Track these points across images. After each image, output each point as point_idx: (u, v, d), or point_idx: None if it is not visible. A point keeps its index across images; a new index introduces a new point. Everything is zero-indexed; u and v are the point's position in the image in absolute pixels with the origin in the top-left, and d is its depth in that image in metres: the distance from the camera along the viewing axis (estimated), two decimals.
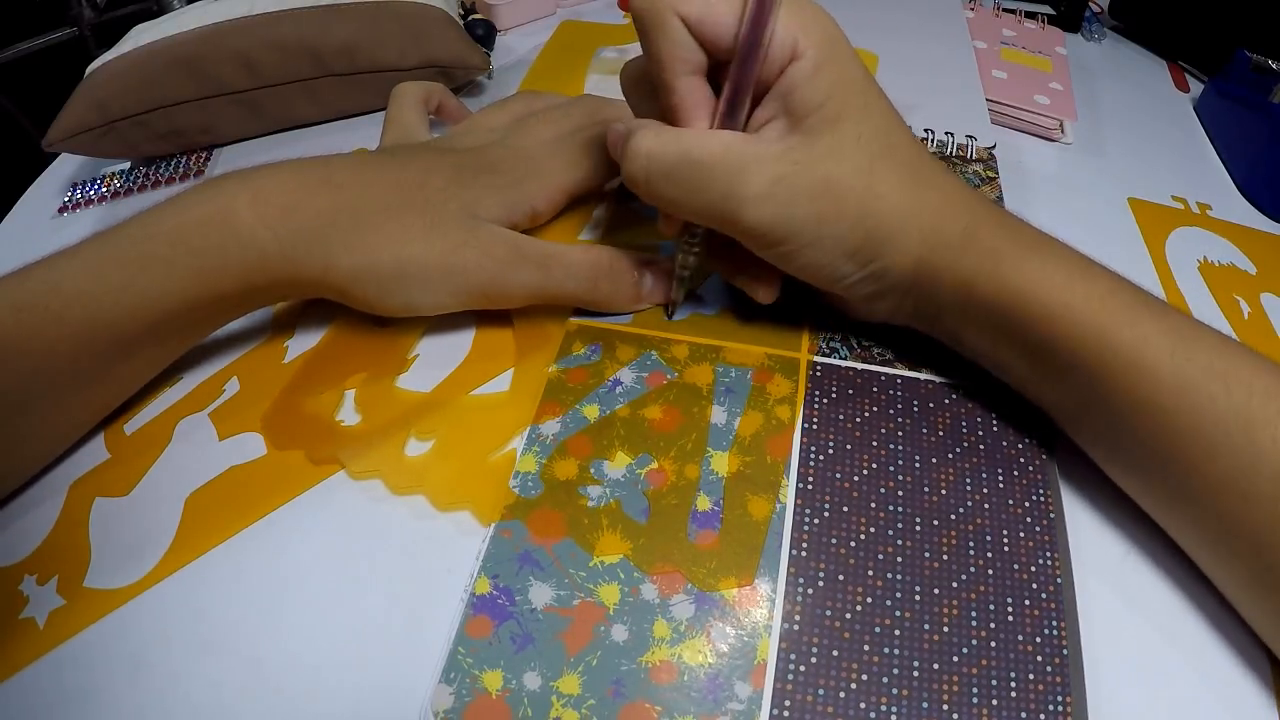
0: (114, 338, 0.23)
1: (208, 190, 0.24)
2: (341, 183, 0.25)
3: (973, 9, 0.49)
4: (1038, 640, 0.21)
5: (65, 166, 0.42)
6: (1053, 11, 0.50)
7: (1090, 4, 0.51)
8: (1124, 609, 0.22)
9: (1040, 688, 0.20)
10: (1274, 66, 0.41)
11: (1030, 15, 0.49)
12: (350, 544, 0.23)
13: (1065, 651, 0.21)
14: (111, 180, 0.40)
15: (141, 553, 0.23)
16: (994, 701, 0.20)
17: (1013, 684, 0.20)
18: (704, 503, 0.24)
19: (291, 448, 0.26)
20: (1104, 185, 0.38)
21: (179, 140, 0.40)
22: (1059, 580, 0.22)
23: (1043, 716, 0.20)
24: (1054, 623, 0.22)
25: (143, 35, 0.39)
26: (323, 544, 0.23)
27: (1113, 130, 0.42)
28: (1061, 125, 0.41)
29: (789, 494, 0.24)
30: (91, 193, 0.39)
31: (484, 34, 0.44)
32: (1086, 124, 0.42)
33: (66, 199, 0.39)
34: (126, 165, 0.41)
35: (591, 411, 0.26)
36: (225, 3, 0.39)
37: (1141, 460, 0.22)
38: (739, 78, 0.22)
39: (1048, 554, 0.23)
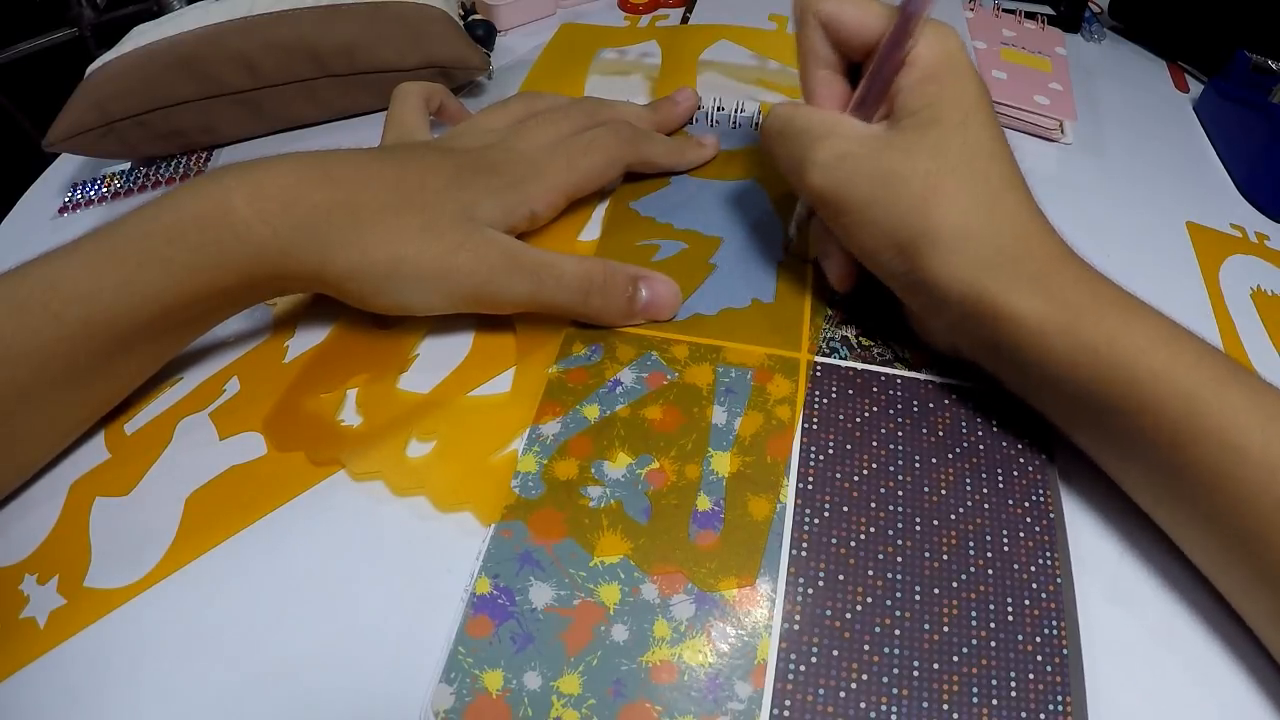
0: (113, 335, 0.23)
1: (205, 185, 0.24)
2: (340, 178, 0.25)
3: (972, 9, 0.49)
4: (1037, 640, 0.21)
5: (65, 166, 0.42)
6: (1052, 12, 0.49)
7: (1090, 4, 0.51)
8: (1123, 609, 0.22)
9: (1040, 687, 0.20)
10: (1274, 66, 0.41)
11: (1030, 15, 0.49)
12: (351, 544, 0.23)
13: (1065, 651, 0.21)
14: (111, 180, 0.40)
15: (142, 552, 0.23)
16: (994, 701, 0.20)
17: (1012, 684, 0.21)
18: (704, 503, 0.24)
19: (293, 449, 0.26)
20: (1131, 182, 0.38)
21: (179, 140, 0.40)
22: (1059, 580, 0.22)
23: (1042, 716, 0.20)
24: (1054, 622, 0.22)
25: (143, 35, 0.39)
26: (323, 544, 0.23)
27: (1113, 130, 0.42)
28: (1061, 125, 0.41)
29: (789, 494, 0.24)
30: (91, 193, 0.39)
31: (484, 34, 0.44)
32: (1086, 124, 0.42)
33: (66, 199, 0.39)
34: (126, 165, 0.41)
35: (592, 412, 0.26)
36: (225, 3, 0.39)
37: (1219, 534, 0.21)
38: (872, 80, 0.25)
39: (1047, 554, 0.23)
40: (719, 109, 0.38)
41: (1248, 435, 0.20)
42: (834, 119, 0.25)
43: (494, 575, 0.22)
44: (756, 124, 0.38)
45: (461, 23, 0.42)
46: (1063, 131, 0.40)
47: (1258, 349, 0.30)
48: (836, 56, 0.26)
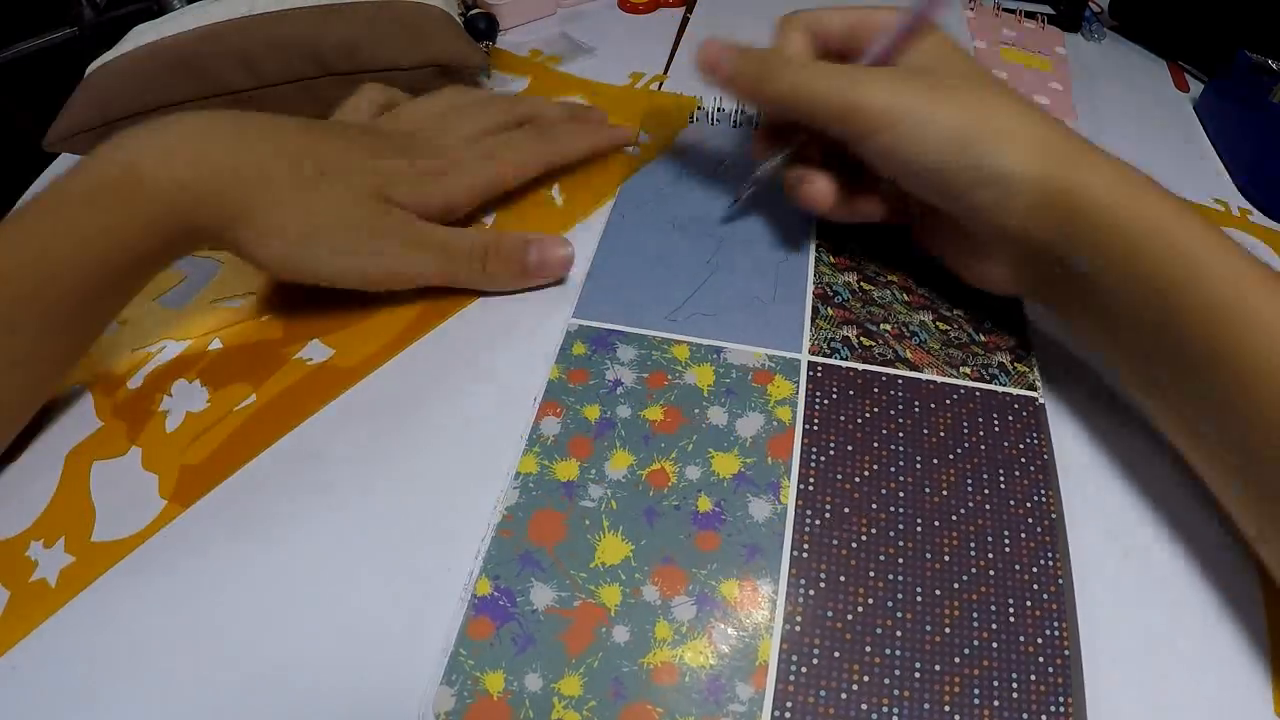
0: (39, 311, 0.23)
1: (114, 150, 0.24)
2: (254, 142, 0.25)
3: (972, 9, 0.49)
4: (1039, 641, 0.21)
5: (65, 166, 0.42)
6: (1052, 11, 0.49)
7: (1090, 4, 0.51)
8: (1124, 610, 0.22)
9: (1041, 689, 0.20)
10: (1274, 66, 0.41)
11: (1030, 15, 0.49)
12: (350, 545, 0.23)
13: (1066, 652, 0.21)
14: None
15: (146, 501, 0.24)
16: (995, 702, 0.20)
17: (1014, 685, 0.21)
18: (705, 504, 0.24)
19: (278, 393, 0.27)
20: None
21: None
22: (1060, 581, 0.22)
23: (1044, 717, 0.20)
24: (1055, 624, 0.22)
25: (143, 35, 0.39)
26: (322, 545, 0.23)
27: (1113, 130, 0.42)
28: None
29: (790, 495, 0.24)
30: None
31: (485, 27, 0.44)
32: (1086, 124, 0.42)
33: None
34: None
35: (592, 412, 0.26)
36: (225, 3, 0.39)
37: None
38: (878, 55, 0.27)
39: (1049, 555, 0.23)
40: (719, 109, 0.38)
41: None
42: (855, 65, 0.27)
43: (494, 576, 0.22)
44: (757, 124, 0.37)
45: (462, 20, 0.42)
46: None
47: None
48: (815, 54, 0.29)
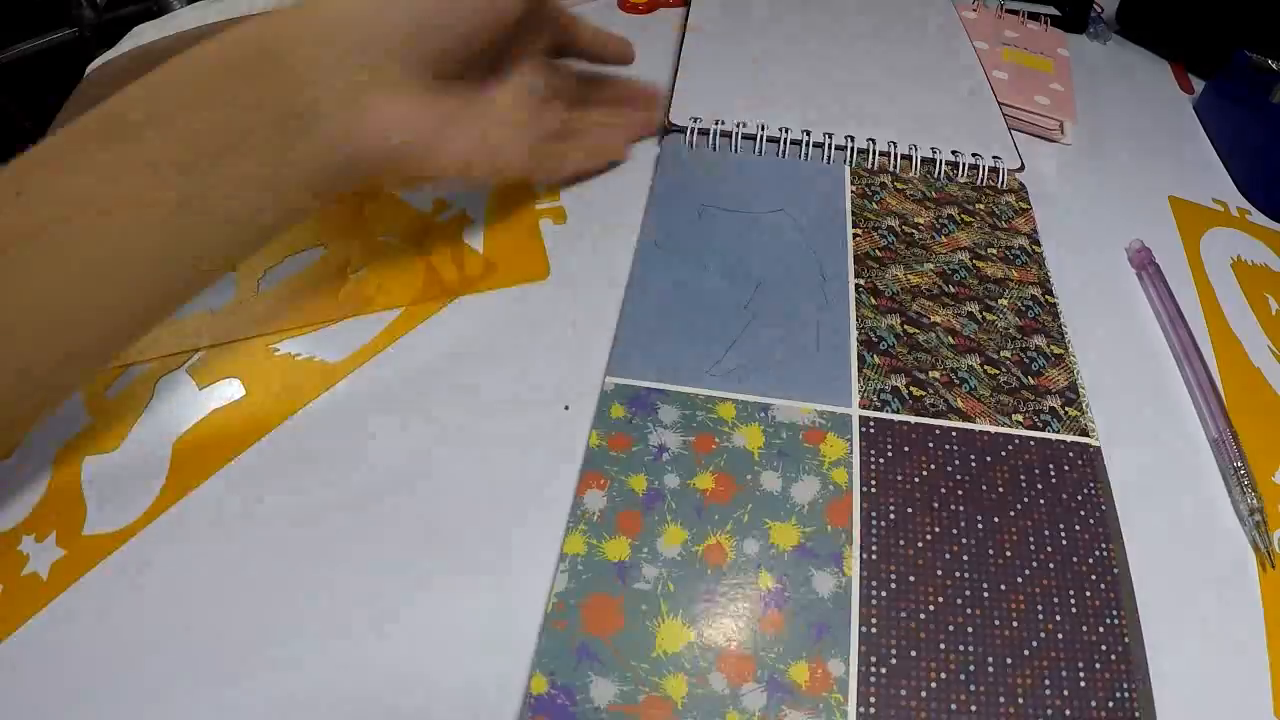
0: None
1: None
2: None
3: (974, 9, 0.47)
4: (1110, 705, 0.21)
5: None
6: (1057, 12, 0.49)
7: (1094, 5, 0.50)
8: (1195, 666, 0.22)
9: None
10: (1274, 66, 0.41)
11: (1033, 17, 0.48)
12: (392, 656, 0.22)
13: (1138, 715, 0.21)
14: None
15: (137, 496, 0.24)
16: None
17: None
18: (767, 580, 0.22)
19: (270, 387, 0.26)
20: (1129, 183, 0.38)
21: None
22: (1126, 640, 0.22)
23: None
24: (1125, 685, 0.21)
25: (143, 35, 0.38)
26: (365, 659, 0.21)
27: (1113, 131, 0.42)
28: (1061, 126, 0.40)
29: (854, 566, 0.23)
30: None
31: None
32: (1087, 124, 0.41)
33: None
34: None
35: (638, 483, 0.24)
36: (225, 2, 0.38)
37: None
38: None
39: (1114, 613, 0.23)
40: (720, 131, 0.36)
41: None
42: None
43: (550, 673, 0.21)
44: (830, 158, 0.36)
45: None
46: (1063, 132, 0.40)
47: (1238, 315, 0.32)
48: None
